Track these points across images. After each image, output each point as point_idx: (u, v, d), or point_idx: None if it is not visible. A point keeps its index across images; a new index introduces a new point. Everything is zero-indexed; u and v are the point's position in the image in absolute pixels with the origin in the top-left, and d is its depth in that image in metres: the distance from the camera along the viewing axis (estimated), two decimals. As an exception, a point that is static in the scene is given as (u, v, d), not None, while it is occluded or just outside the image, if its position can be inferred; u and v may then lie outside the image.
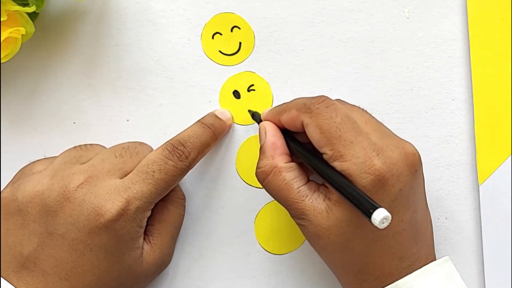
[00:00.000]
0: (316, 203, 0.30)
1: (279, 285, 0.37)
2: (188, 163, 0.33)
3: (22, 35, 0.34)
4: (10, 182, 0.35)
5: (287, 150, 0.32)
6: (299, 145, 0.32)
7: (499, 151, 0.36)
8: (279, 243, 0.37)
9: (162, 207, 0.35)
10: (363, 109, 0.33)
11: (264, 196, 0.37)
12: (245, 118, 0.37)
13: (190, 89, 0.38)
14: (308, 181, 0.31)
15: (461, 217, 0.36)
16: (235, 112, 0.37)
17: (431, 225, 0.33)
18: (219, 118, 0.36)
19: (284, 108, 0.32)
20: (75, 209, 0.31)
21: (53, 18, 0.38)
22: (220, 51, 0.38)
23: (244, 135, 0.37)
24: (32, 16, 0.35)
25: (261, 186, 0.37)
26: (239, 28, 0.38)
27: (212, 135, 0.35)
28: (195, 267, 0.37)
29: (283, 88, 0.38)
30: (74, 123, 0.38)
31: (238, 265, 0.37)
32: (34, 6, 0.33)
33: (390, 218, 0.26)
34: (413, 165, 0.30)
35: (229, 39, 0.38)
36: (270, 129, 0.33)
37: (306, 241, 0.35)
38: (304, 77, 0.37)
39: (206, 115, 0.36)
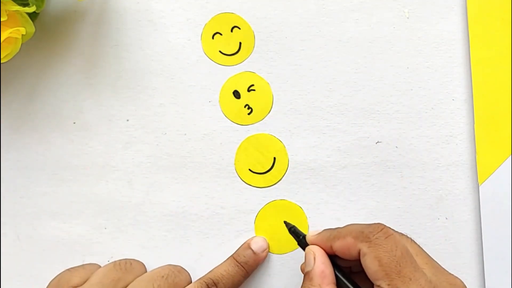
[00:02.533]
0: None
1: (279, 285, 0.37)
2: None
3: (22, 35, 0.34)
4: None
5: (334, 280, 0.31)
6: (346, 277, 0.31)
7: (499, 151, 0.36)
8: (279, 243, 0.37)
9: None
10: (411, 238, 0.32)
11: (264, 196, 0.37)
12: (244, 118, 0.37)
13: (190, 89, 0.38)
14: None
15: (461, 217, 0.36)
16: (235, 112, 0.37)
17: None
18: (254, 253, 0.36)
19: (337, 234, 0.31)
20: None
21: (53, 18, 0.38)
22: (220, 51, 0.38)
23: (244, 135, 0.37)
24: (32, 16, 0.35)
25: (261, 186, 0.37)
26: (239, 28, 0.38)
27: (245, 274, 0.35)
28: (195, 267, 0.37)
29: (283, 88, 0.38)
30: (74, 123, 0.38)
31: (238, 265, 0.37)
32: (34, 6, 0.33)
33: None
34: None
35: (229, 39, 0.38)
36: (319, 256, 0.32)
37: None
38: (304, 77, 0.38)
39: (241, 247, 0.36)
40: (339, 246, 0.31)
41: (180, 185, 0.37)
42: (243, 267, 0.35)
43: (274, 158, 0.37)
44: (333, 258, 0.32)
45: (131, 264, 0.35)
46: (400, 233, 0.32)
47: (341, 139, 0.37)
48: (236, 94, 0.38)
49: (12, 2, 0.32)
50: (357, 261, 0.30)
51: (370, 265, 0.29)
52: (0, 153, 0.38)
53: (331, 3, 0.38)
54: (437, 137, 0.37)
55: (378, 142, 0.37)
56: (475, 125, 0.36)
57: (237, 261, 0.35)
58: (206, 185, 0.37)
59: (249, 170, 0.37)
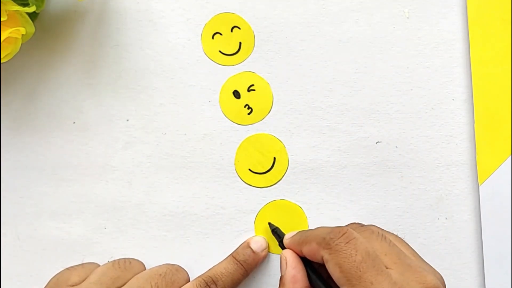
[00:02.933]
0: None
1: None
2: None
3: (22, 35, 0.34)
4: None
5: (307, 283, 0.32)
6: (320, 279, 0.32)
7: (499, 151, 0.36)
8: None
9: None
10: (382, 235, 0.31)
11: (264, 196, 0.37)
12: (244, 118, 0.37)
13: (190, 89, 0.38)
14: None
15: (461, 217, 0.36)
16: (235, 112, 0.37)
17: None
18: (253, 252, 0.35)
19: (304, 239, 0.32)
20: None
21: (53, 18, 0.38)
22: (220, 51, 0.38)
23: (244, 134, 0.37)
24: (32, 16, 0.35)
25: (261, 186, 0.37)
26: (239, 28, 0.38)
27: (244, 272, 0.35)
28: (195, 267, 0.37)
29: (283, 88, 0.38)
30: (74, 123, 0.38)
31: (238, 265, 0.37)
32: (34, 6, 0.33)
33: None
34: None
35: (229, 39, 0.38)
36: (291, 260, 0.32)
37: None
38: (304, 77, 0.37)
39: (241, 246, 0.36)
40: (306, 251, 0.31)
41: (180, 185, 0.37)
42: (243, 266, 0.35)
43: (274, 158, 0.37)
44: (310, 261, 0.32)
45: (130, 263, 0.35)
46: (372, 230, 0.31)
47: (341, 139, 0.37)
48: (236, 94, 0.38)
49: (12, 2, 0.32)
50: None
51: (332, 271, 0.29)
52: (0, 153, 0.38)
53: (331, 3, 0.38)
54: (437, 137, 0.37)
55: (378, 142, 0.37)
56: (475, 125, 0.36)
57: (236, 259, 0.35)
58: (206, 185, 0.37)
59: (249, 170, 0.37)
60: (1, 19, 0.32)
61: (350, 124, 0.37)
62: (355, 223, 0.33)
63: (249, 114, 0.37)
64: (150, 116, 0.38)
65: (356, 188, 0.37)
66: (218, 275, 0.34)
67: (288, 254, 0.33)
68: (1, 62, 0.34)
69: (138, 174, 0.37)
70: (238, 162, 0.37)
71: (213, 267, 0.35)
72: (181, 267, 0.36)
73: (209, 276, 0.34)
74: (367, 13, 0.38)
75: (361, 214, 0.37)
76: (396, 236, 0.33)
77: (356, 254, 0.29)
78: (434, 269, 0.31)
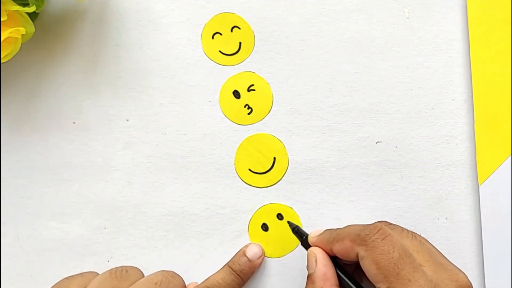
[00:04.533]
0: None
1: (279, 285, 0.37)
2: None
3: (22, 35, 0.34)
4: None
5: (337, 281, 0.31)
6: (349, 277, 0.31)
7: (499, 151, 0.36)
8: (274, 247, 0.37)
9: None
10: (412, 233, 0.31)
11: (264, 196, 0.37)
12: (244, 118, 0.37)
13: (190, 89, 0.38)
14: None
15: (461, 217, 0.36)
16: (235, 112, 0.37)
17: None
18: (249, 260, 0.35)
19: (336, 237, 0.31)
20: None
21: (53, 18, 0.38)
22: (220, 51, 0.38)
23: (244, 135, 0.37)
24: (32, 16, 0.35)
25: (261, 186, 0.37)
26: (239, 28, 0.38)
27: (241, 282, 0.35)
28: (195, 268, 0.37)
29: (283, 88, 0.38)
30: (74, 123, 0.38)
31: (238, 265, 0.37)
32: (34, 6, 0.33)
33: None
34: None
35: (229, 39, 0.38)
36: (321, 258, 0.32)
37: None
38: (304, 77, 0.38)
39: (236, 255, 0.36)
40: (338, 249, 0.31)
41: (180, 185, 0.37)
42: (239, 276, 0.35)
43: (274, 158, 0.37)
44: (335, 258, 0.32)
45: (127, 271, 0.35)
46: (401, 228, 0.31)
47: (341, 139, 0.37)
48: (236, 94, 0.38)
49: (12, 2, 0.32)
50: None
51: (368, 268, 0.29)
52: (0, 153, 0.38)
53: (331, 3, 0.38)
54: (437, 137, 0.37)
55: (378, 142, 0.37)
56: (475, 125, 0.36)
57: (233, 269, 0.35)
58: (206, 185, 0.37)
59: (249, 170, 0.37)
60: (1, 19, 0.32)
61: (350, 124, 0.37)
62: (382, 221, 0.33)
63: (249, 114, 0.37)
64: (150, 116, 0.38)
65: (356, 188, 0.37)
66: (215, 285, 0.34)
67: (317, 251, 0.32)
68: (1, 62, 0.34)
69: (138, 174, 0.37)
70: (238, 162, 0.37)
71: (209, 277, 0.35)
72: (176, 273, 0.36)
73: (207, 286, 0.34)
74: (367, 13, 0.38)
75: (361, 214, 0.37)
76: (421, 236, 0.33)
77: (393, 251, 0.28)
78: (459, 268, 0.31)
